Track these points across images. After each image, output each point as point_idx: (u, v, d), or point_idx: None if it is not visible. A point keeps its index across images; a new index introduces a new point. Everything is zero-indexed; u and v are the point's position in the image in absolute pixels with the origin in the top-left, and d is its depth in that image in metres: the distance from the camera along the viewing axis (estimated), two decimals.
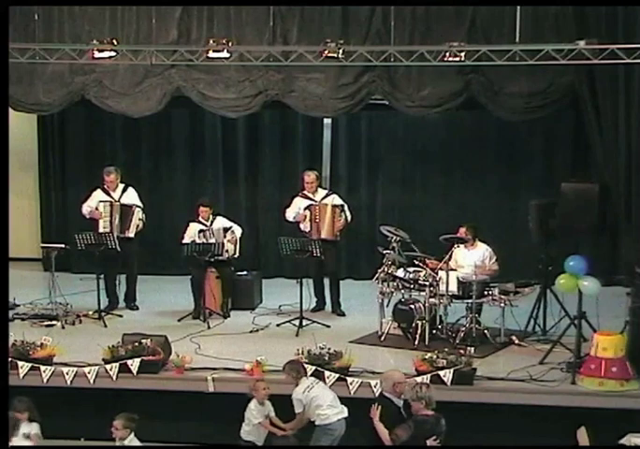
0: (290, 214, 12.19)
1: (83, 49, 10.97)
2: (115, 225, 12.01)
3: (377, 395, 8.61)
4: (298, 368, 8.96)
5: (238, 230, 12.23)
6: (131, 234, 12.13)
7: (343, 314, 12.13)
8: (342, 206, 12.06)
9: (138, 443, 8.12)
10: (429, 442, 7.71)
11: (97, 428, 8.59)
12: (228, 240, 12.01)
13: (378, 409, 8.06)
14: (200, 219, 12.11)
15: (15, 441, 8.07)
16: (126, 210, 12.11)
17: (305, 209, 12.06)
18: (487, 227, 12.05)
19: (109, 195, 12.20)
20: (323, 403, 8.66)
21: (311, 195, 12.17)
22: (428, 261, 11.02)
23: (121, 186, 12.28)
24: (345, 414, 8.70)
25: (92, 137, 14.46)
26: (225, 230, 12.07)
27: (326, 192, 12.32)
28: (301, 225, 12.12)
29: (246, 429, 8.74)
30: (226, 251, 11.96)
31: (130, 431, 8.04)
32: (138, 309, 12.35)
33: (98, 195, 12.23)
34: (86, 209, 12.21)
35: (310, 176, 12.19)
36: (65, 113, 13.51)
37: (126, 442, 8.07)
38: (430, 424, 7.83)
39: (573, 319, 10.17)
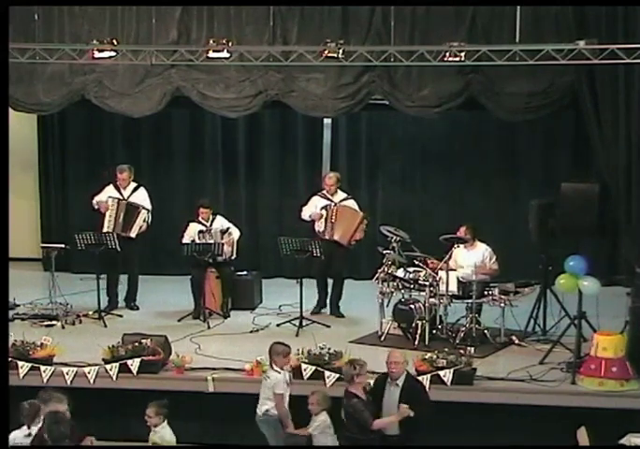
0: (306, 213, 12.12)
1: (83, 49, 10.99)
2: (118, 223, 12.02)
3: None
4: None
5: (236, 232, 12.20)
6: (132, 234, 12.11)
7: (342, 316, 12.12)
8: (367, 219, 12.04)
9: (169, 430, 8.26)
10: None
11: (98, 428, 8.59)
12: (225, 242, 11.99)
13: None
14: (200, 219, 12.11)
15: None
16: (132, 210, 12.10)
17: (322, 208, 12.03)
18: (487, 227, 12.05)
19: (119, 191, 12.22)
20: None
21: (330, 196, 12.15)
22: (428, 261, 11.02)
23: (133, 185, 12.30)
24: None
25: (92, 137, 14.45)
26: (223, 232, 12.05)
27: (345, 195, 12.28)
28: (316, 225, 12.06)
29: None
30: (224, 253, 11.96)
31: (163, 418, 8.27)
32: (138, 309, 12.34)
33: (109, 190, 12.27)
34: (95, 200, 12.25)
35: (331, 178, 12.16)
36: (65, 113, 13.52)
37: (158, 429, 8.25)
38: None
39: (573, 319, 10.17)
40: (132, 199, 12.21)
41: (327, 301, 12.26)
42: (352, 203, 12.19)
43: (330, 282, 12.25)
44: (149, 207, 12.30)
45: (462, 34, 10.90)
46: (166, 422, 8.31)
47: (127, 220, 12.08)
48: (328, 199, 12.12)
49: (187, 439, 9.74)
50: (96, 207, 12.23)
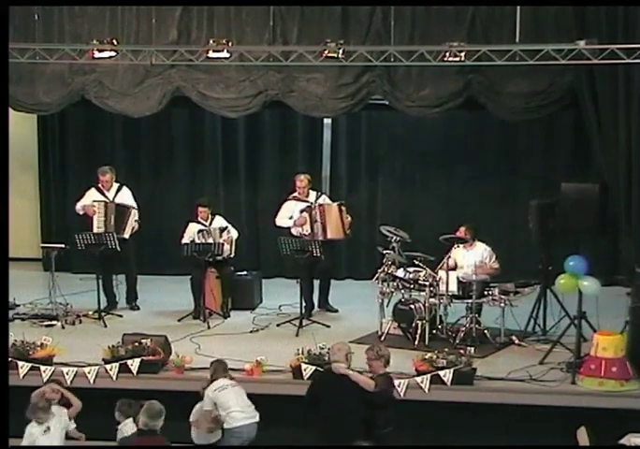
0: (283, 220, 12.06)
1: (83, 49, 10.98)
2: (110, 226, 11.98)
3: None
4: (217, 367, 8.97)
5: (234, 231, 12.20)
6: (126, 235, 12.07)
7: (335, 310, 12.15)
8: (343, 204, 12.07)
9: (132, 426, 8.21)
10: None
11: (97, 428, 8.60)
12: (224, 240, 11.98)
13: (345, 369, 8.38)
14: (199, 219, 12.11)
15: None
16: (122, 211, 12.07)
17: (302, 211, 12.00)
18: (487, 227, 12.05)
19: (103, 194, 12.17)
20: (231, 407, 8.62)
21: (304, 198, 12.13)
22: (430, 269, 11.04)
23: (115, 186, 12.26)
24: (256, 419, 8.67)
25: (92, 137, 14.45)
26: (222, 230, 12.06)
27: (316, 193, 12.27)
28: (294, 230, 11.99)
29: None
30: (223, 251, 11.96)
31: (126, 416, 8.29)
32: (139, 309, 12.33)
33: (92, 194, 12.21)
34: (79, 205, 12.20)
35: (302, 181, 12.12)
36: (65, 113, 13.52)
37: (120, 426, 8.29)
38: (392, 380, 8.66)
39: (573, 319, 10.17)
40: (118, 200, 12.16)
41: (315, 302, 12.20)
42: (325, 198, 12.22)
43: (317, 282, 12.23)
44: (134, 205, 12.27)
45: (462, 34, 10.89)
46: (130, 420, 8.30)
47: (119, 221, 12.02)
48: (305, 201, 12.09)
49: (187, 439, 9.76)
50: (81, 212, 12.17)
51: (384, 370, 8.48)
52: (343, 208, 12.02)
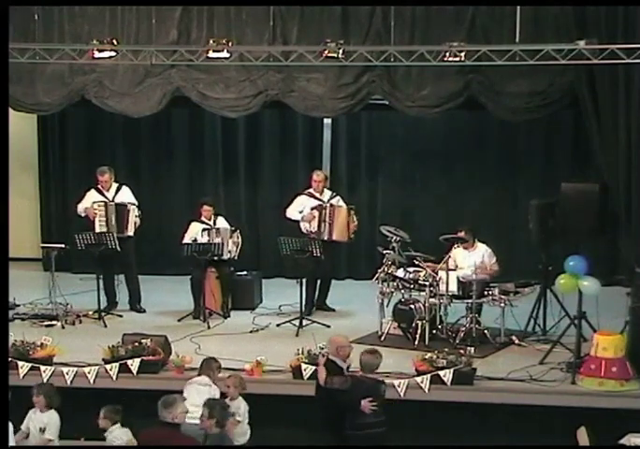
0: (294, 213, 12.17)
1: (83, 49, 10.97)
2: (112, 225, 11.98)
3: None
4: (202, 364, 8.98)
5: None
6: (130, 232, 12.08)
7: (332, 310, 12.19)
8: (353, 208, 12.12)
9: (121, 433, 8.19)
10: (363, 403, 8.15)
11: (97, 428, 8.59)
12: (234, 241, 12.01)
13: (324, 361, 8.51)
14: (203, 218, 12.11)
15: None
16: (122, 210, 12.06)
17: (313, 208, 12.04)
18: (486, 227, 12.06)
19: (102, 194, 12.16)
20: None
21: (317, 195, 12.16)
22: (426, 263, 11.01)
23: (115, 185, 12.25)
24: (197, 421, 8.28)
25: (92, 137, 14.46)
26: (233, 231, 12.07)
27: (330, 193, 12.32)
28: (302, 225, 12.09)
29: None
30: (229, 251, 11.96)
31: (113, 423, 8.21)
32: (145, 311, 12.25)
33: (92, 195, 12.20)
34: (80, 207, 12.20)
35: (319, 175, 12.21)
36: (65, 113, 13.52)
37: (107, 433, 8.23)
38: (368, 386, 8.31)
39: (573, 319, 10.18)
40: (118, 199, 12.15)
41: (315, 301, 12.24)
42: (338, 200, 12.26)
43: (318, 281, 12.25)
44: (135, 202, 12.25)
45: (462, 34, 10.88)
46: (117, 425, 8.21)
47: (120, 220, 12.02)
48: (317, 199, 12.12)
49: None
50: (83, 214, 12.18)
51: (361, 373, 8.43)
52: (352, 212, 12.08)
